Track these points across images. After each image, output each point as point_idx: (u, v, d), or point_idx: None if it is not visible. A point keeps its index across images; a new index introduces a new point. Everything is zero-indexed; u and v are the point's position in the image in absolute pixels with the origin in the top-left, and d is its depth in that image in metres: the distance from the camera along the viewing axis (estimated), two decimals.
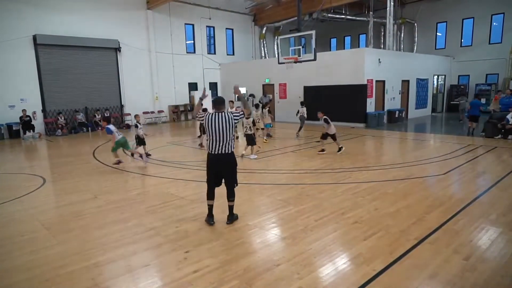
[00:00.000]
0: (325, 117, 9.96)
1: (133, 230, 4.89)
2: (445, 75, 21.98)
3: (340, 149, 9.96)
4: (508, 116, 11.45)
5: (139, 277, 3.68)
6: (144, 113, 20.06)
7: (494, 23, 20.41)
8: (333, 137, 9.98)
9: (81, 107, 17.73)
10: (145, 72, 20.11)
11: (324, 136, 10.07)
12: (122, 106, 19.29)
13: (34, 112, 16.18)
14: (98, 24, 17.83)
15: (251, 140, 9.66)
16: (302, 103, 14.33)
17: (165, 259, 4.05)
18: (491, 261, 3.82)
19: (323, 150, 10.07)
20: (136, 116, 10.53)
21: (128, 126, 18.49)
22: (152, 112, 20.52)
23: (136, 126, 9.99)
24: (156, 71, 20.46)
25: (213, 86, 23.73)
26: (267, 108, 13.24)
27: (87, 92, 17.89)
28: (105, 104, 18.47)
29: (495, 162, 8.65)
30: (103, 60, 18.39)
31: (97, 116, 17.85)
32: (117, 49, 18.65)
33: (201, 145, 11.39)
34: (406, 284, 3.40)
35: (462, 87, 21.37)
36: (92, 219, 5.42)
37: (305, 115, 13.78)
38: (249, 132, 9.69)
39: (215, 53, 23.63)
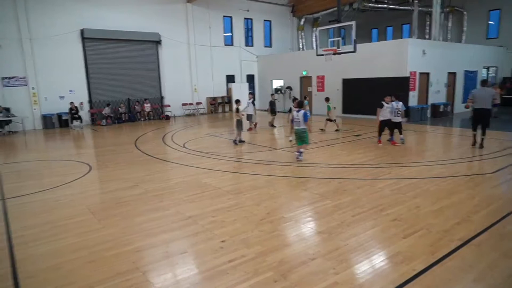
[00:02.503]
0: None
1: (171, 218, 5.05)
2: (496, 67, 20.54)
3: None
4: None
5: (177, 263, 3.80)
6: (183, 104, 20.59)
7: None
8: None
9: (124, 98, 18.47)
10: (184, 64, 20.56)
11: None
12: (162, 97, 19.87)
13: (81, 103, 17.10)
14: (140, 18, 18.44)
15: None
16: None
17: (202, 247, 4.14)
18: None
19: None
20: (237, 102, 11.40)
21: (168, 117, 19.03)
22: (191, 104, 20.98)
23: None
24: (195, 63, 20.85)
25: (250, 78, 23.80)
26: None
27: (129, 84, 18.61)
28: (145, 96, 19.11)
29: None
30: (145, 53, 19.01)
31: (136, 108, 18.54)
32: (158, 42, 19.18)
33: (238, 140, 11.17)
34: (449, 286, 3.25)
35: None
36: (133, 206, 5.66)
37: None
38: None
39: (252, 45, 23.64)
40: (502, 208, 5.12)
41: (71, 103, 16.33)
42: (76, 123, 16.27)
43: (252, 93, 13.42)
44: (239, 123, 10.89)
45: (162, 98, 19.90)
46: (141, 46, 18.76)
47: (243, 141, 10.98)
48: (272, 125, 14.43)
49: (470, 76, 18.42)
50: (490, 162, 7.98)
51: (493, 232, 4.37)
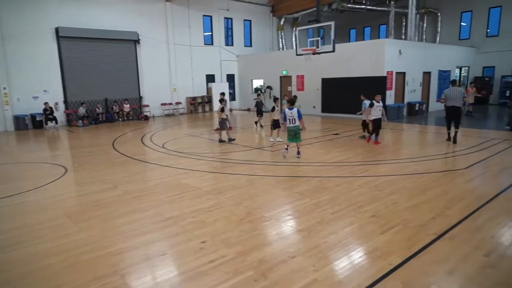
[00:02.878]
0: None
1: (151, 220, 4.99)
2: (468, 67, 21.28)
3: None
4: None
5: (157, 265, 3.75)
6: (162, 104, 20.32)
7: None
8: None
9: (101, 98, 18.07)
10: (163, 64, 20.29)
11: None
12: (140, 97, 19.55)
13: (57, 103, 16.61)
14: (118, 16, 18.06)
15: (276, 125, 10.67)
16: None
17: (182, 248, 4.11)
18: None
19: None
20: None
21: (147, 118, 18.75)
22: (170, 104, 20.74)
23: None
24: (174, 63, 20.60)
25: (230, 78, 23.74)
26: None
27: (106, 83, 18.20)
28: (123, 96, 18.73)
29: None
30: (123, 52, 18.63)
31: (114, 108, 18.16)
32: (136, 41, 18.85)
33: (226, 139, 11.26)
34: (424, 279, 3.35)
35: (487, 79, 20.66)
36: (111, 208, 5.55)
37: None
38: (276, 118, 10.71)
39: (232, 45, 23.58)
40: (474, 202, 5.32)
41: (46, 103, 15.83)
42: (50, 124, 15.79)
43: (223, 93, 13.20)
44: (223, 122, 10.88)
45: (140, 98, 19.57)
46: (119, 45, 18.37)
47: (223, 141, 10.95)
48: (260, 126, 14.33)
49: (443, 76, 19.00)
50: (463, 158, 8.26)
51: (466, 225, 4.54)
